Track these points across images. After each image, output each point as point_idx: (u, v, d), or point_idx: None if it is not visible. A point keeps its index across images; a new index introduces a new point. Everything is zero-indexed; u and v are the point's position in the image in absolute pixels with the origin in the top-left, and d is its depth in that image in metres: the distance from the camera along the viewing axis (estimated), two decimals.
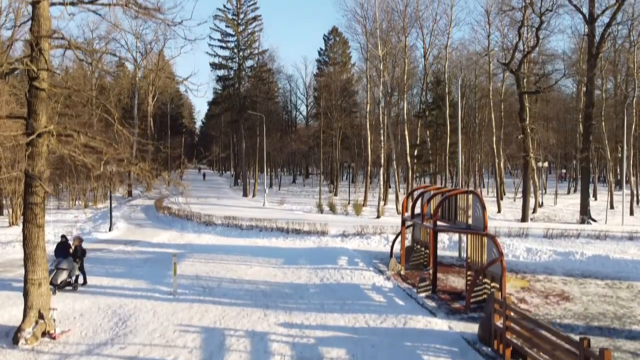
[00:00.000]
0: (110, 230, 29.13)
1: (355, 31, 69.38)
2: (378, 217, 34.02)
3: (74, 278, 16.95)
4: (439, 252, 20.06)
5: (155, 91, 63.29)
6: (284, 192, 61.00)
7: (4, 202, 39.81)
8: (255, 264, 20.25)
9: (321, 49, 74.62)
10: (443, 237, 23.36)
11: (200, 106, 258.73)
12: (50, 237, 26.44)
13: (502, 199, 49.14)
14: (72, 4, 13.25)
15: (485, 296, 14.11)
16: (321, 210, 38.55)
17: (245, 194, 54.24)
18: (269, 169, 69.15)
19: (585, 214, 32.67)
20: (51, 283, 15.53)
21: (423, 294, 14.99)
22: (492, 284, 13.92)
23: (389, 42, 38.72)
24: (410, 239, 20.74)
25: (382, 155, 37.87)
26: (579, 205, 34.67)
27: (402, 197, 45.19)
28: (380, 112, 38.13)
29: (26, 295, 12.93)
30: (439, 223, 16.03)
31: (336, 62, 73.17)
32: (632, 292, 15.72)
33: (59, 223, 33.35)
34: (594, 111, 33.40)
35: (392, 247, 19.84)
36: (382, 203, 34.66)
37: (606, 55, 40.37)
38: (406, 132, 40.18)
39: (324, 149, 56.37)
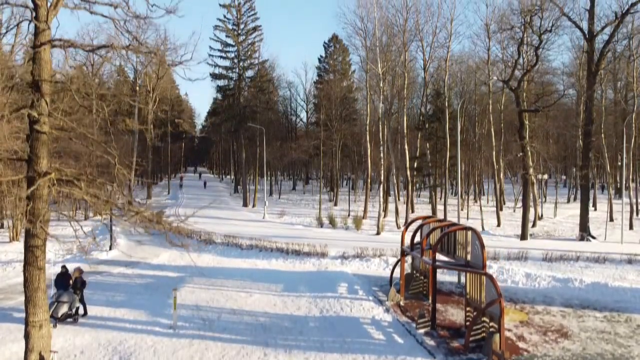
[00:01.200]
0: (110, 249, 29.18)
1: (355, 45, 69.67)
2: (378, 233, 34.11)
3: (74, 310, 17.01)
4: (438, 277, 20.11)
5: (155, 98, 63.24)
6: (283, 201, 61.11)
7: (4, 212, 39.72)
8: (255, 290, 20.32)
9: (321, 56, 74.73)
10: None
11: (200, 109, 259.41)
12: (51, 255, 26.50)
13: (501, 209, 49.22)
14: (72, 46, 13.33)
15: (484, 334, 14.18)
16: (321, 224, 38.63)
17: (245, 204, 54.35)
18: (269, 174, 69.20)
19: (584, 231, 32.74)
20: (52, 316, 15.60)
21: (422, 330, 15.06)
22: (491, 324, 13.98)
23: (389, 57, 38.79)
24: (409, 264, 20.80)
25: (382, 170, 37.92)
26: (579, 218, 34.66)
27: (401, 208, 45.45)
28: (380, 127, 38.18)
29: (27, 337, 12.97)
30: (437, 256, 16.11)
31: (336, 69, 73.27)
32: (630, 327, 15.77)
33: (60, 239, 33.37)
34: (593, 128, 33.47)
35: (391, 274, 19.92)
36: (381, 219, 34.71)
37: (606, 70, 40.46)
38: (406, 146, 40.26)
39: (324, 160, 56.47)
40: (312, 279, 22.09)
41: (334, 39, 73.54)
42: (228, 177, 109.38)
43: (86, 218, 45.82)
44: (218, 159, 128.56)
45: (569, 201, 62.39)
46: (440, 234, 16.13)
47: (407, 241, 19.67)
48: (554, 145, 48.57)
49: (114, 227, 31.57)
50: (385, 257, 24.55)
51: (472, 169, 57.74)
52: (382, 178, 38.41)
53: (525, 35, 32.27)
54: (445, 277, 22.32)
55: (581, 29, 33.09)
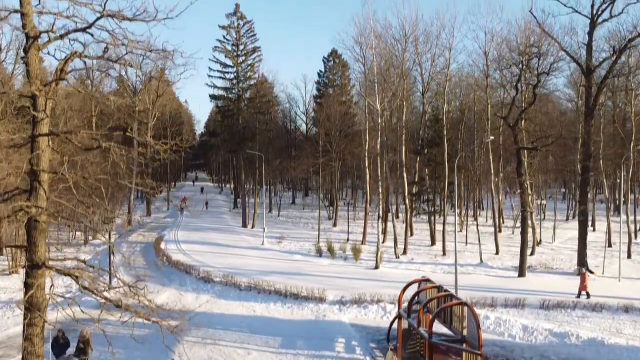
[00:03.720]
0: (109, 286, 29.12)
1: (354, 69, 69.84)
2: (376, 267, 34.21)
3: None
4: (435, 329, 20.17)
5: (155, 114, 63.16)
6: (283, 219, 61.16)
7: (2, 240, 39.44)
8: (253, 346, 20.42)
9: (320, 71, 74.93)
10: None
11: (200, 115, 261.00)
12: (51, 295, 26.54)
13: (500, 230, 49.29)
14: (66, 136, 13.43)
15: None
16: (320, 254, 38.73)
17: (244, 224, 54.46)
18: (269, 184, 69.20)
19: (582, 265, 32.82)
20: None
21: None
22: None
23: (388, 88, 38.87)
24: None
25: (380, 200, 37.99)
26: (577, 244, 34.47)
27: (399, 228, 45.54)
28: (379, 162, 38.30)
29: None
30: (434, 322, 16.22)
31: (335, 84, 73.45)
32: None
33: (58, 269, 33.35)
34: (591, 164, 33.58)
35: (388, 331, 20.07)
36: (380, 252, 34.76)
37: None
38: (405, 174, 40.33)
39: (323, 176, 56.56)
40: (310, 330, 22.23)
41: (334, 53, 73.67)
42: (228, 185, 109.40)
43: (86, 242, 45.68)
44: (218, 166, 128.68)
45: (567, 219, 62.44)
46: (437, 309, 16.23)
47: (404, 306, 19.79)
48: (552, 171, 48.60)
49: (112, 257, 31.22)
50: (383, 303, 24.62)
51: (470, 188, 57.89)
52: (380, 210, 38.53)
53: (522, 74, 32.38)
54: (442, 328, 22.40)
55: (579, 64, 33.16)
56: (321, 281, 29.61)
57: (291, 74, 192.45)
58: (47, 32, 12.51)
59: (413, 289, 20.46)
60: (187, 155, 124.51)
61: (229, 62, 54.32)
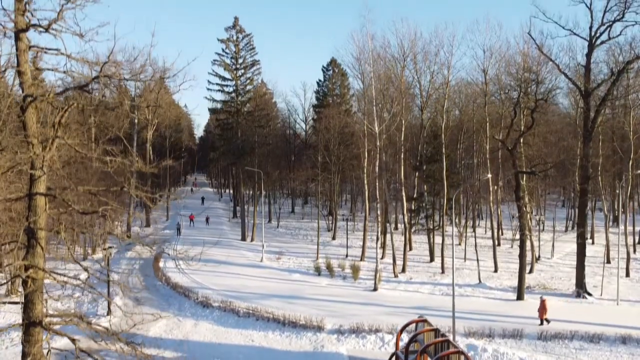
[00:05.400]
0: (108, 313, 29.15)
1: (354, 85, 70.22)
2: (375, 289, 34.23)
3: None
4: None
5: (154, 122, 62.97)
6: (282, 231, 61.22)
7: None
8: None
9: (320, 80, 75.02)
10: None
11: (200, 119, 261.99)
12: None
13: (499, 244, 49.36)
14: (63, 197, 13.47)
15: None
16: (319, 272, 38.77)
17: (243, 237, 54.49)
18: (267, 193, 69.24)
19: (580, 287, 32.90)
20: None
21: None
22: None
23: (386, 108, 38.89)
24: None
25: (379, 221, 37.99)
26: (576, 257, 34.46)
27: (397, 242, 45.63)
28: (377, 185, 38.34)
29: None
30: None
31: (335, 93, 73.55)
32: None
33: (56, 288, 33.03)
34: (590, 188, 33.61)
35: None
36: (378, 274, 34.77)
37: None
38: (403, 192, 40.38)
39: (322, 189, 56.69)
40: None
41: (333, 62, 73.76)
42: (227, 191, 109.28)
43: (85, 258, 45.42)
44: (217, 172, 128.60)
45: (566, 230, 62.41)
46: (435, 357, 16.26)
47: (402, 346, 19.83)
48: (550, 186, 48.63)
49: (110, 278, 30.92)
50: (381, 333, 24.64)
51: (470, 199, 57.98)
52: (378, 232, 38.60)
53: (520, 98, 32.39)
54: None
55: (577, 86, 33.19)
56: (320, 306, 29.73)
57: (290, 81, 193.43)
58: (44, 95, 12.54)
59: (411, 321, 20.57)
60: (187, 159, 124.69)
61: (227, 75, 54.32)
